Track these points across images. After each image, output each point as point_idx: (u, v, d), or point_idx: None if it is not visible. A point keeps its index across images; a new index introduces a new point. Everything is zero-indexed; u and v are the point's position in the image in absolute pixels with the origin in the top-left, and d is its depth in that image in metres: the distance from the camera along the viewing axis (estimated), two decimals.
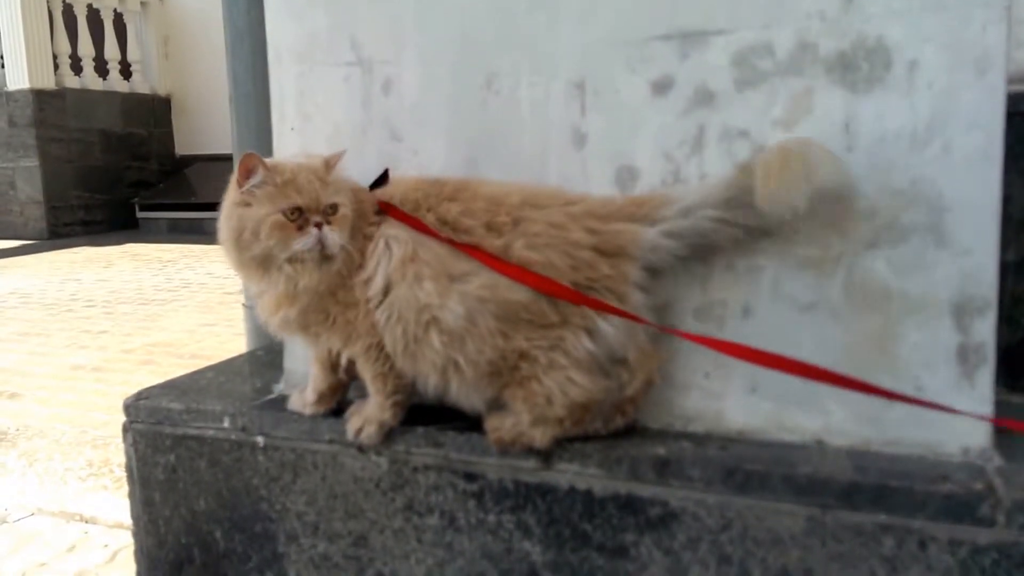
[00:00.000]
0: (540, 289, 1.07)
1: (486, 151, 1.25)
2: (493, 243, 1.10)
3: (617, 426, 1.16)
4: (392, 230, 1.15)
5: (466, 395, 1.16)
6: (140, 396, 1.46)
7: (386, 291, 1.13)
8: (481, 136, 1.25)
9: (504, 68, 1.23)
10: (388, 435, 1.24)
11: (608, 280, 1.08)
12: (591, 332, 1.08)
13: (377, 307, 1.14)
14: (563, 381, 1.08)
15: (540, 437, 1.12)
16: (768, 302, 1.12)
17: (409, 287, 1.11)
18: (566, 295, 1.07)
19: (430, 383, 1.16)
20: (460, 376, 1.13)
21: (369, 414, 1.23)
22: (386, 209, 1.17)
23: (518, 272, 1.07)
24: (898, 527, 1.01)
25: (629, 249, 1.08)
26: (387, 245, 1.14)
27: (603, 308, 1.07)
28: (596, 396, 1.10)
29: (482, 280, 1.09)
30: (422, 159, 1.29)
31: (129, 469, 1.45)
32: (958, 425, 1.04)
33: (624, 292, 1.08)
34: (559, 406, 1.09)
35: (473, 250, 1.10)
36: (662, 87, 1.14)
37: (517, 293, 1.08)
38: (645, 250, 1.09)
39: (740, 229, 1.07)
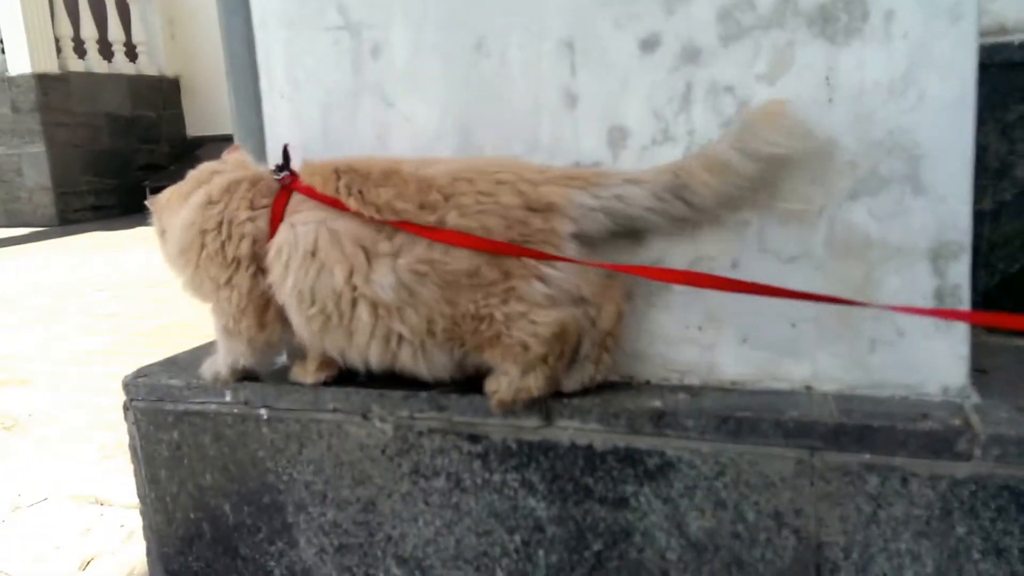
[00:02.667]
0: (477, 248, 1.37)
1: (479, 114, 1.54)
2: (427, 219, 1.40)
3: (607, 365, 1.46)
4: (300, 217, 1.47)
5: (423, 364, 1.48)
6: (139, 374, 1.77)
7: (290, 279, 1.46)
8: (473, 99, 1.54)
9: (494, 29, 1.50)
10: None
11: (541, 234, 1.37)
12: (540, 278, 1.38)
13: (280, 290, 1.49)
14: (528, 324, 1.38)
15: (535, 383, 1.41)
16: (755, 255, 1.40)
17: (316, 276, 1.44)
18: (501, 249, 1.36)
19: (371, 356, 1.48)
20: (410, 346, 1.45)
21: (214, 364, 1.67)
22: (309, 193, 1.48)
23: (452, 236, 1.37)
24: (881, 465, 1.29)
25: (559, 205, 1.38)
26: (292, 234, 1.47)
27: (536, 255, 1.36)
28: (567, 323, 1.39)
29: (416, 254, 1.40)
30: (415, 124, 1.58)
31: (133, 448, 1.77)
32: (939, 366, 1.32)
33: (558, 244, 1.38)
34: (536, 346, 1.39)
35: (403, 224, 1.40)
36: (650, 44, 1.42)
37: (455, 262, 1.39)
38: (575, 207, 1.38)
39: (668, 219, 1.38)
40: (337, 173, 1.47)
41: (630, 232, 1.45)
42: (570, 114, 1.47)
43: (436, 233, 1.39)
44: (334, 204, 1.44)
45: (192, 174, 1.64)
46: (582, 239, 1.40)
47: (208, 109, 8.80)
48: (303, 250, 1.45)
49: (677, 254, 1.44)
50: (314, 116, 1.66)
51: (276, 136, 1.68)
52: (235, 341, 1.60)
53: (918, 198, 1.31)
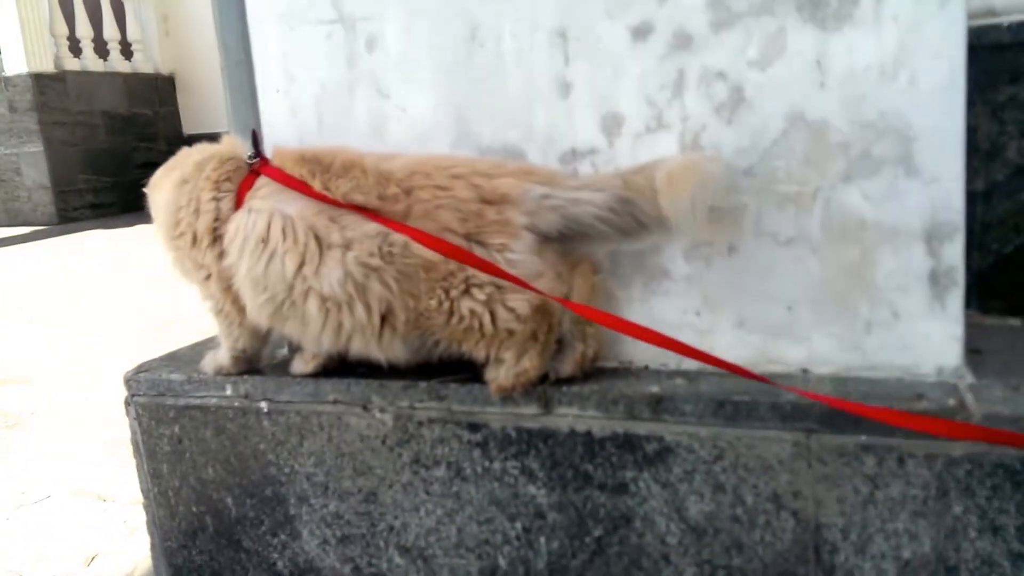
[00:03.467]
0: (436, 250, 1.41)
1: (474, 104, 1.56)
2: (392, 209, 1.44)
3: (596, 339, 1.50)
4: (257, 203, 1.52)
5: (379, 352, 1.53)
6: (140, 369, 1.80)
7: (243, 264, 1.51)
8: (469, 89, 1.56)
9: (487, 19, 1.53)
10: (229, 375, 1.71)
11: (496, 224, 1.42)
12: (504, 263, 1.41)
13: (241, 278, 1.53)
14: (504, 311, 1.42)
15: (531, 364, 1.45)
16: (751, 239, 1.43)
17: (267, 263, 1.49)
18: (453, 254, 1.40)
19: (324, 343, 1.54)
20: (362, 337, 1.50)
21: (216, 358, 1.72)
22: (275, 175, 1.52)
23: (415, 233, 1.41)
24: (878, 446, 1.32)
25: (512, 196, 1.42)
26: (248, 218, 1.51)
27: (478, 265, 1.40)
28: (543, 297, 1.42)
29: (368, 248, 1.44)
30: (411, 115, 1.61)
31: (134, 443, 1.80)
32: (933, 347, 1.35)
33: (513, 232, 1.41)
34: (521, 327, 1.42)
35: (372, 214, 1.45)
36: (641, 32, 1.44)
37: (411, 256, 1.43)
38: (529, 199, 1.42)
39: (617, 231, 1.42)
40: (303, 160, 1.52)
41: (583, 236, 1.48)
42: (564, 102, 1.50)
43: (403, 228, 1.42)
44: (299, 188, 1.48)
45: (178, 153, 1.68)
46: (536, 232, 1.43)
47: (204, 106, 8.90)
48: (256, 236, 1.50)
49: (675, 241, 1.47)
50: (309, 110, 1.69)
51: (273, 130, 1.71)
52: (226, 323, 1.65)
53: (911, 180, 1.34)
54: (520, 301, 1.42)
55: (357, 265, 1.45)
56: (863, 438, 1.33)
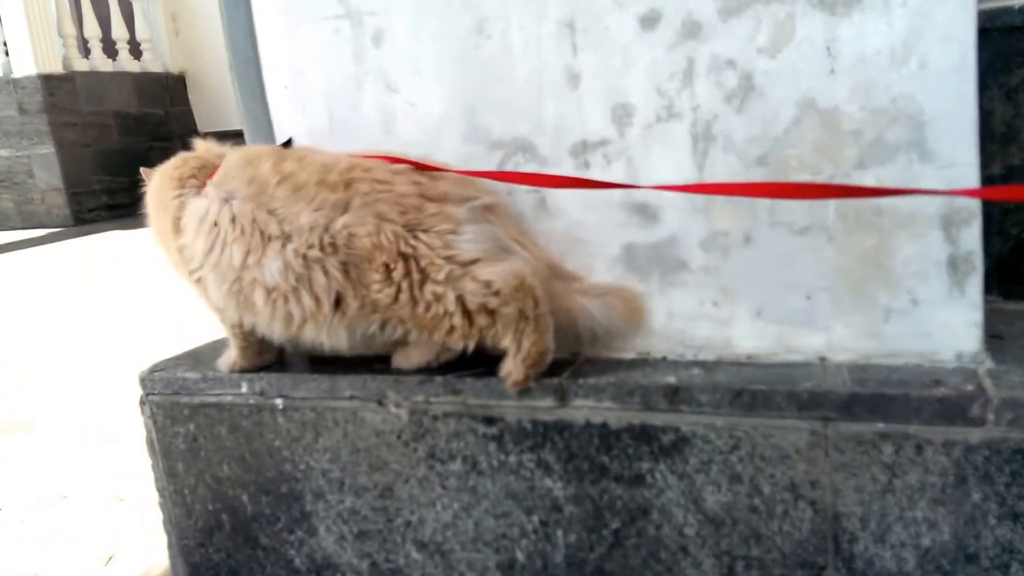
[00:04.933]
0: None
1: (483, 97, 1.60)
2: (328, 197, 1.50)
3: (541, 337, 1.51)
4: (211, 190, 1.58)
5: (329, 340, 1.59)
6: (155, 368, 1.85)
7: (205, 254, 1.58)
8: (477, 82, 1.59)
9: (494, 11, 1.56)
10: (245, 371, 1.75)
11: (435, 217, 1.48)
12: (452, 235, 1.48)
13: (204, 268, 1.60)
14: (474, 283, 1.46)
15: (531, 343, 1.47)
16: (767, 228, 1.45)
17: (220, 252, 1.55)
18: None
19: (275, 330, 1.61)
20: (314, 324, 1.56)
21: (228, 355, 1.78)
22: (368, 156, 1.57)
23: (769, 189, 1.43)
24: (896, 433, 1.35)
25: (451, 196, 1.49)
26: (202, 207, 1.58)
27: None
28: (521, 272, 1.46)
29: (305, 240, 1.49)
30: (420, 110, 1.64)
31: (149, 441, 1.85)
32: (952, 333, 1.38)
33: (457, 222, 1.47)
34: (501, 302, 1.45)
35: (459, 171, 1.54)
36: (650, 21, 1.47)
37: (351, 245, 1.48)
38: (468, 206, 1.49)
39: None
40: (261, 151, 1.61)
41: (641, 208, 1.52)
42: (573, 93, 1.53)
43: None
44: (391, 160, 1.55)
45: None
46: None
47: (217, 104, 8.95)
48: (209, 219, 1.56)
49: (692, 230, 1.50)
50: (318, 105, 1.72)
51: (283, 127, 1.76)
52: (214, 310, 1.70)
53: (925, 165, 1.36)
54: (495, 275, 1.46)
55: (297, 257, 1.50)
56: (881, 426, 1.35)
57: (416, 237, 1.47)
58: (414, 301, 1.49)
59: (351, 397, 1.66)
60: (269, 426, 1.73)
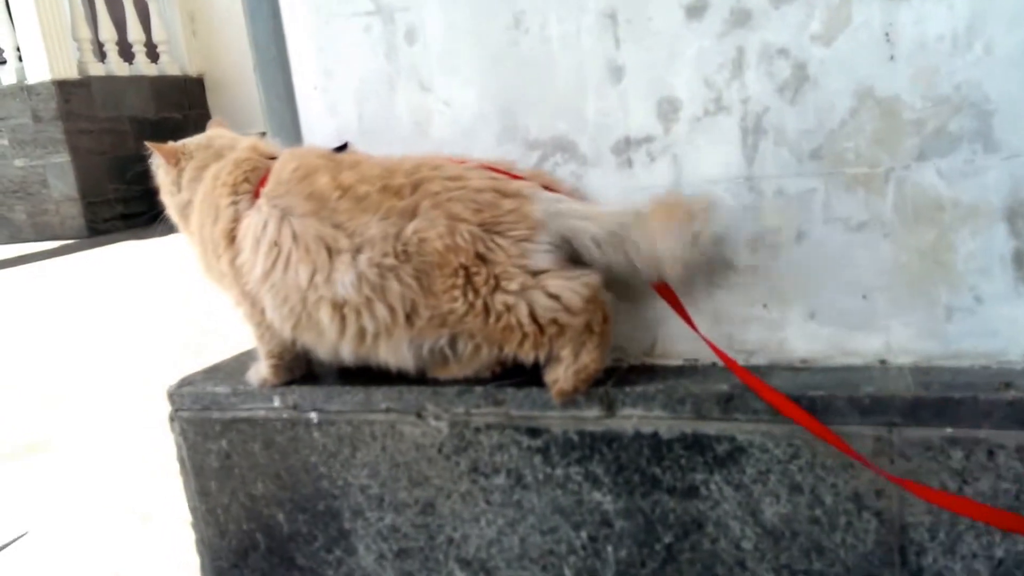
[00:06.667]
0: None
1: (520, 95, 1.59)
2: (396, 204, 1.48)
3: (601, 352, 1.49)
4: (265, 206, 1.56)
5: (394, 357, 1.57)
6: (183, 383, 1.85)
7: (265, 273, 1.56)
8: (514, 79, 1.59)
9: (532, 4, 1.55)
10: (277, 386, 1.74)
11: (512, 214, 1.45)
12: (527, 243, 1.45)
13: (261, 286, 1.58)
14: (545, 297, 1.43)
15: (590, 359, 1.46)
16: (820, 225, 1.43)
17: (283, 271, 1.54)
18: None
19: (343, 351, 1.58)
20: (388, 338, 1.53)
21: (258, 370, 1.76)
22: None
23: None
24: (965, 439, 1.32)
25: (525, 192, 1.46)
26: (259, 224, 1.56)
27: None
28: (592, 283, 1.44)
29: (380, 249, 1.48)
30: (455, 109, 1.63)
31: (180, 459, 1.85)
32: (1020, 330, 1.35)
33: (533, 224, 1.44)
34: (570, 316, 1.43)
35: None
36: (696, 9, 1.45)
37: (424, 253, 1.46)
38: (543, 197, 1.46)
39: (606, 259, 1.46)
40: (321, 155, 1.59)
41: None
42: (616, 88, 1.52)
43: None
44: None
45: (198, 143, 1.78)
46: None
47: (236, 106, 9.00)
48: (268, 238, 1.55)
49: (739, 228, 1.49)
50: (349, 106, 1.72)
51: (311, 129, 1.76)
52: (257, 328, 1.69)
53: (990, 156, 1.33)
54: (568, 290, 1.44)
55: (371, 267, 1.48)
56: (949, 430, 1.33)
57: (493, 240, 1.45)
58: (486, 312, 1.47)
59: (388, 410, 1.65)
60: (304, 441, 1.73)
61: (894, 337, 1.43)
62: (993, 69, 1.32)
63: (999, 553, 1.34)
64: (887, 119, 1.37)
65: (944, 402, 1.33)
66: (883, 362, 1.45)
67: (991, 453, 1.32)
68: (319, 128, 1.75)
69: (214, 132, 1.81)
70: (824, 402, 1.38)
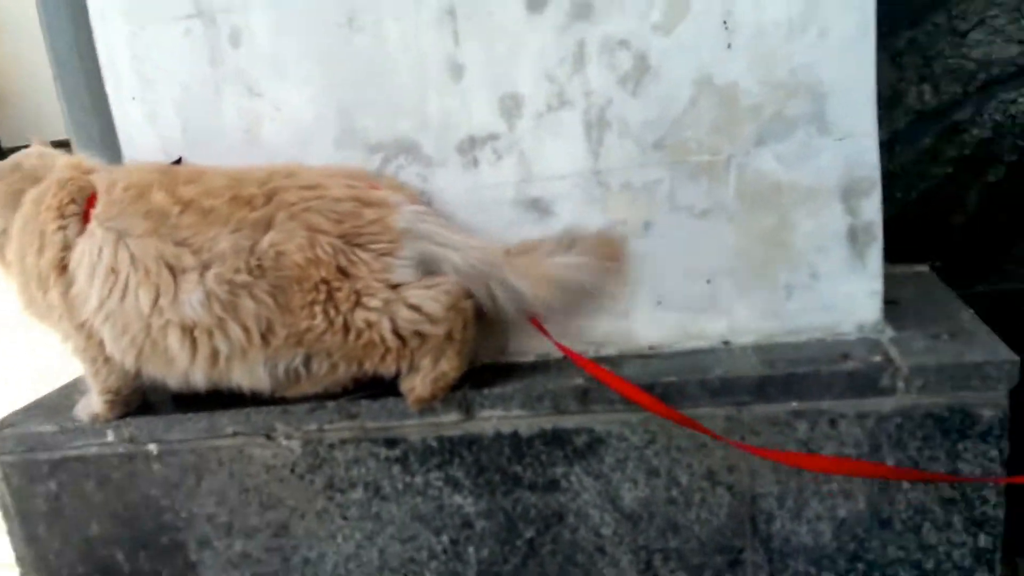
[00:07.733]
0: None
1: (358, 96, 1.54)
2: (247, 215, 1.40)
3: (460, 361, 1.47)
4: (98, 231, 1.44)
5: (250, 379, 1.48)
6: (3, 424, 1.69)
7: (101, 303, 1.45)
8: (350, 80, 1.54)
9: (365, 2, 1.50)
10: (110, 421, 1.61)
11: (374, 225, 1.40)
12: (389, 257, 1.40)
13: (97, 318, 1.46)
14: (407, 309, 1.39)
15: (449, 366, 1.44)
16: (666, 214, 1.47)
17: (121, 298, 1.43)
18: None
19: (195, 377, 1.48)
20: (243, 359, 1.44)
21: (89, 404, 1.63)
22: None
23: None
24: (809, 411, 1.39)
25: (388, 201, 1.42)
26: (93, 250, 1.44)
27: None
28: (451, 289, 1.41)
29: (231, 264, 1.39)
30: (287, 114, 1.57)
31: (4, 506, 1.69)
32: (854, 304, 1.44)
33: (395, 237, 1.40)
34: (432, 326, 1.40)
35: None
36: (537, 4, 1.45)
37: (281, 268, 1.39)
38: (405, 209, 1.43)
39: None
40: (154, 170, 1.49)
41: (535, 203, 1.51)
42: (458, 85, 1.50)
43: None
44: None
45: (3, 166, 1.58)
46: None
47: (25, 116, 8.43)
48: (105, 265, 1.43)
49: (587, 221, 1.50)
50: (171, 116, 1.62)
51: (131, 142, 1.64)
52: (91, 364, 1.55)
53: (824, 137, 1.41)
54: (428, 299, 1.40)
55: (221, 283, 1.40)
56: (794, 404, 1.39)
57: (355, 253, 1.39)
58: (346, 328, 1.40)
59: (235, 434, 1.57)
60: (143, 475, 1.62)
61: (737, 318, 1.50)
62: (827, 53, 1.39)
63: (842, 513, 1.42)
64: (726, 106, 1.42)
65: (789, 378, 1.40)
66: (727, 343, 1.51)
67: (833, 422, 1.39)
68: (140, 141, 1.64)
69: (21, 153, 1.62)
70: (676, 387, 1.43)
